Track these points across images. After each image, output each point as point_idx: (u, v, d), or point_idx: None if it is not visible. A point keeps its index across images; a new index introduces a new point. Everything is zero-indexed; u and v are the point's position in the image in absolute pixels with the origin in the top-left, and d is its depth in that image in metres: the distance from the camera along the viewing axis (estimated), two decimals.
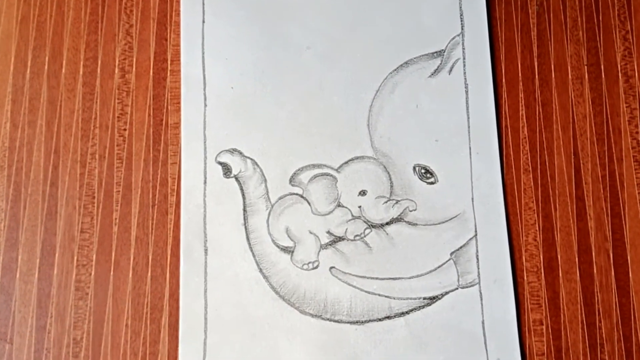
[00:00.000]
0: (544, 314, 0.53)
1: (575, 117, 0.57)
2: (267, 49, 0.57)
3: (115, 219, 0.53)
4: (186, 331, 0.51)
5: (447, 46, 0.57)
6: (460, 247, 0.54)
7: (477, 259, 0.53)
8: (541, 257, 0.54)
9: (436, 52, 0.57)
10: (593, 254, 0.54)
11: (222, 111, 0.55)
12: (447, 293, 0.53)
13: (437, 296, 0.53)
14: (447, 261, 0.53)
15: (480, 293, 0.53)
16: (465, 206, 0.54)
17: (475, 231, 0.54)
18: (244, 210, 0.54)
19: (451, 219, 0.54)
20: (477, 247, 0.54)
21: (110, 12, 0.57)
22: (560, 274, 0.54)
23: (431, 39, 0.57)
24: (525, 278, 0.53)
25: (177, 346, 0.51)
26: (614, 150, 0.55)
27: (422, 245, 0.54)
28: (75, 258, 0.53)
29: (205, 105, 0.55)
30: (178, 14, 0.57)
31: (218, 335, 0.51)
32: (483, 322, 0.52)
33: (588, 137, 0.56)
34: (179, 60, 0.56)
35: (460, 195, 0.55)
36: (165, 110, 0.56)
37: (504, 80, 0.57)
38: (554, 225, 0.55)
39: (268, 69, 0.56)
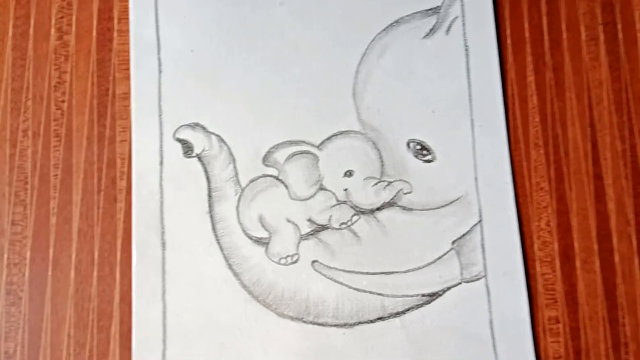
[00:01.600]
0: (560, 311, 0.46)
1: (590, 84, 0.50)
2: (233, 4, 0.48)
3: (53, 208, 0.45)
4: (141, 342, 0.43)
5: (443, 2, 0.50)
6: (463, 235, 0.47)
7: (483, 248, 0.46)
8: (555, 245, 0.47)
9: (431, 8, 0.50)
10: (614, 240, 0.47)
11: (180, 79, 0.47)
12: (448, 289, 0.46)
13: (437, 292, 0.45)
14: (448, 252, 0.46)
15: (487, 288, 0.46)
16: (467, 187, 0.47)
17: (480, 216, 0.47)
18: (209, 195, 0.46)
19: (452, 202, 0.47)
20: (482, 234, 0.47)
21: None
22: (578, 264, 0.47)
23: None
24: (538, 269, 0.47)
25: None
26: (634, 121, 0.49)
27: (419, 234, 0.46)
28: (6, 256, 0.44)
29: (160, 72, 0.47)
30: None
31: (179, 345, 0.43)
32: (491, 322, 0.45)
33: (605, 106, 0.49)
34: (128, 18, 0.48)
35: (462, 174, 0.47)
36: (111, 78, 0.47)
37: (509, 41, 0.50)
38: (569, 207, 0.48)
39: (234, 29, 0.48)
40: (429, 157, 0.48)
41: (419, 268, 0.46)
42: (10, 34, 0.47)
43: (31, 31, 0.47)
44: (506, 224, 0.47)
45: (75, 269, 0.44)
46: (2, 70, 0.46)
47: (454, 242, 0.47)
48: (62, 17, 0.48)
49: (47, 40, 0.47)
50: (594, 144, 0.49)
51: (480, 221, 0.47)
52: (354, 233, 0.46)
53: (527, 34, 0.50)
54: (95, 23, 0.48)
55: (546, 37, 0.50)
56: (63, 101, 0.46)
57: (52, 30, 0.47)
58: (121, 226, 0.45)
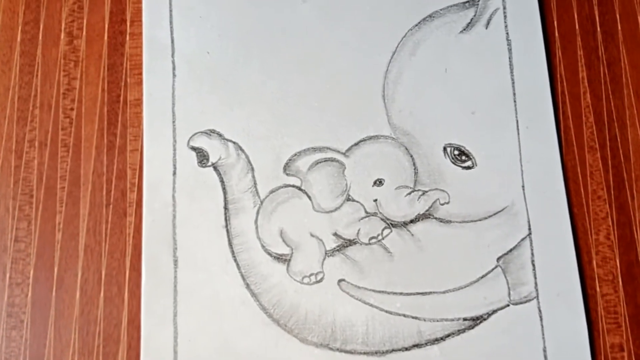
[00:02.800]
0: (624, 337, 0.40)
1: None
2: (252, 3, 0.45)
3: (59, 223, 0.42)
4: None
5: None
6: (510, 251, 0.41)
7: (533, 265, 0.41)
8: (617, 261, 0.41)
9: (469, 1, 0.45)
10: None
11: (195, 83, 0.44)
12: (494, 312, 0.40)
13: (481, 316, 0.40)
14: (493, 269, 0.41)
15: (540, 311, 0.40)
16: (514, 196, 0.42)
17: (529, 229, 0.42)
18: (225, 208, 0.42)
19: (496, 213, 0.42)
20: (532, 249, 0.41)
21: None
22: None
23: None
24: (598, 290, 0.41)
25: None
26: None
27: (459, 249, 0.41)
28: (8, 275, 0.41)
29: (174, 76, 0.44)
30: None
31: None
32: (544, 350, 0.39)
33: None
34: (141, 20, 0.45)
35: (507, 182, 0.42)
36: (123, 84, 0.44)
37: (557, 34, 0.45)
38: (631, 218, 0.42)
39: (253, 29, 0.45)
40: (468, 163, 0.43)
41: (460, 288, 0.41)
42: (18, 39, 0.45)
43: (40, 36, 0.45)
44: (559, 237, 0.42)
45: (80, 289, 0.41)
46: (10, 78, 0.44)
47: (499, 259, 0.41)
48: (72, 21, 0.45)
49: (56, 45, 0.45)
50: None
51: (529, 234, 0.42)
52: (385, 248, 0.42)
53: (577, 26, 0.45)
54: (106, 26, 0.45)
55: (599, 28, 0.45)
56: (72, 109, 0.44)
57: (62, 35, 0.45)
58: (131, 242, 0.41)
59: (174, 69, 0.44)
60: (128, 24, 0.45)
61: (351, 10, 0.45)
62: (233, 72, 0.44)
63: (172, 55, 0.44)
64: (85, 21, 0.45)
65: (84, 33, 0.45)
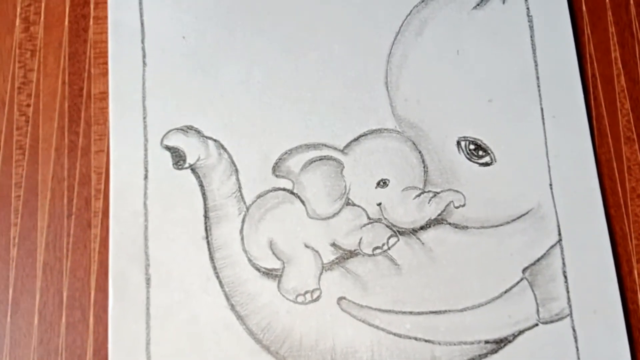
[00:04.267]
0: None
1: None
2: None
3: (14, 237, 0.36)
4: None
5: None
6: (538, 260, 0.36)
7: (565, 277, 0.35)
8: None
9: None
10: None
11: (169, 72, 0.38)
12: (521, 332, 0.34)
13: (506, 338, 0.34)
14: (518, 282, 0.35)
15: (574, 330, 0.34)
16: (540, 197, 0.36)
17: (559, 235, 0.36)
18: (206, 216, 0.36)
19: (520, 217, 0.36)
20: (563, 259, 0.35)
21: None
22: None
23: None
24: (639, 304, 0.35)
25: None
26: None
27: (478, 260, 0.36)
28: None
29: (145, 65, 0.38)
30: None
31: None
32: None
33: None
34: (106, 2, 0.39)
35: (532, 180, 0.37)
36: (86, 75, 0.38)
37: (584, 8, 0.39)
38: None
39: (236, 7, 0.39)
40: (486, 159, 0.37)
41: (480, 305, 0.35)
42: None
43: None
44: (595, 244, 0.36)
45: (39, 313, 0.35)
46: None
47: (525, 270, 0.36)
48: (28, 5, 0.39)
49: (10, 32, 0.39)
50: None
51: (559, 241, 0.36)
52: (392, 260, 0.36)
53: None
54: (67, 10, 0.39)
55: (632, 0, 0.39)
56: (28, 105, 0.38)
57: (17, 21, 0.39)
58: (96, 258, 0.36)
59: (144, 57, 0.38)
60: (92, 6, 0.39)
61: None
62: (213, 59, 0.38)
63: (142, 41, 0.38)
64: (43, 4, 0.39)
65: (42, 18, 0.39)
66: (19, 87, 0.38)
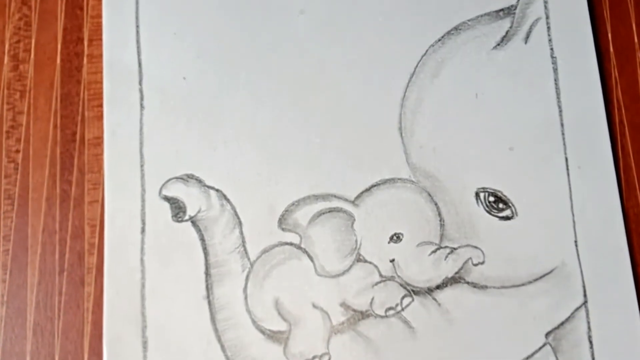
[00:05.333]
0: None
1: None
2: (237, 15, 0.37)
3: (2, 295, 0.34)
4: None
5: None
6: (562, 324, 0.34)
7: (591, 342, 0.33)
8: None
9: (503, 9, 0.37)
10: None
11: (169, 116, 0.36)
12: None
13: None
14: (541, 348, 0.33)
15: None
16: (564, 255, 0.34)
17: (585, 296, 0.34)
18: (207, 273, 0.34)
19: (543, 276, 0.34)
20: (588, 322, 0.33)
21: None
22: None
23: None
24: None
25: None
26: None
27: (498, 322, 0.34)
28: None
29: (142, 108, 0.36)
30: None
31: None
32: None
33: None
34: (101, 39, 0.37)
35: (556, 236, 0.35)
36: (80, 119, 0.36)
37: (611, 49, 0.37)
38: None
39: (239, 47, 0.37)
40: (507, 213, 0.35)
41: None
42: None
43: None
44: (622, 306, 0.34)
45: None
46: None
47: (548, 334, 0.34)
48: (17, 41, 0.37)
49: None
50: None
51: (584, 303, 0.34)
52: (406, 322, 0.34)
53: (635, 39, 0.37)
54: (59, 47, 0.37)
55: None
56: (17, 151, 0.36)
57: (6, 59, 0.37)
58: (90, 319, 0.34)
59: (141, 99, 0.36)
60: (85, 43, 0.37)
61: (359, 23, 0.37)
62: (215, 101, 0.36)
63: (140, 83, 0.36)
64: (33, 41, 0.37)
65: (32, 56, 0.37)
66: (7, 131, 0.36)
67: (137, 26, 0.37)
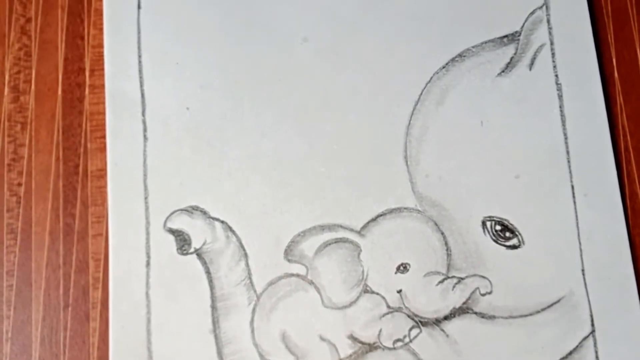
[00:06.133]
0: None
1: None
2: (240, 44, 0.37)
3: (7, 332, 0.34)
4: None
5: (523, 26, 0.38)
6: (570, 353, 0.34)
7: None
8: None
9: (507, 35, 0.38)
10: None
11: (172, 147, 0.36)
12: None
13: None
14: None
15: None
16: (572, 284, 0.35)
17: (592, 325, 0.34)
18: (213, 307, 0.34)
19: (551, 306, 0.34)
20: (596, 352, 0.34)
21: None
22: None
23: (498, 16, 0.38)
24: None
25: None
26: None
27: (507, 353, 0.34)
28: None
29: (146, 139, 0.36)
30: None
31: None
32: None
33: None
34: (103, 69, 0.37)
35: (563, 265, 0.35)
36: (82, 150, 0.36)
37: (616, 74, 0.37)
38: None
39: (243, 76, 0.37)
40: (513, 242, 0.35)
41: None
42: None
43: None
44: (629, 335, 0.34)
45: None
46: None
47: None
48: (18, 72, 0.37)
49: None
50: None
51: (592, 332, 0.34)
52: (414, 354, 0.34)
53: None
54: (60, 77, 0.37)
55: None
56: (19, 184, 0.36)
57: (6, 90, 0.37)
58: (95, 354, 0.34)
59: (145, 130, 0.36)
60: (87, 74, 0.37)
61: (363, 50, 0.37)
62: (219, 132, 0.36)
63: (143, 113, 0.36)
64: (34, 71, 0.37)
65: (33, 87, 0.37)
66: (8, 164, 0.36)
67: (139, 56, 0.37)
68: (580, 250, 0.35)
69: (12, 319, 0.34)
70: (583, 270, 0.35)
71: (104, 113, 0.36)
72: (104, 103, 0.36)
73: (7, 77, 0.37)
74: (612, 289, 0.35)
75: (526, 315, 0.35)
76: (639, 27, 0.38)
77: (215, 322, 0.34)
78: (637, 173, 0.36)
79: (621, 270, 0.35)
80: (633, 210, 0.36)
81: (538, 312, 0.35)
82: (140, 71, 0.37)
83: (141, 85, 0.37)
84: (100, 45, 0.37)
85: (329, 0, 0.38)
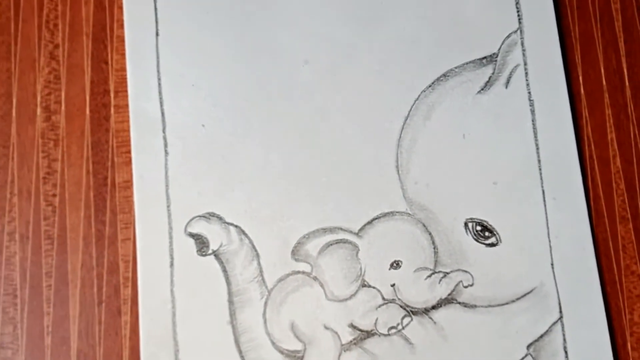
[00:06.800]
0: None
1: None
2: (249, 67, 0.42)
3: (48, 326, 0.39)
4: None
5: (500, 48, 0.42)
6: (541, 337, 0.39)
7: (566, 352, 0.39)
8: None
9: (486, 57, 0.42)
10: None
11: (190, 161, 0.41)
12: None
13: None
14: (523, 358, 0.39)
15: None
16: (542, 276, 0.40)
17: (560, 312, 0.39)
18: (230, 301, 0.39)
19: (524, 295, 0.40)
20: (564, 335, 0.39)
21: (26, 29, 0.42)
22: None
23: (477, 39, 0.43)
24: None
25: None
26: None
27: (486, 337, 0.39)
28: None
29: (167, 154, 0.41)
30: (121, 26, 0.42)
31: None
32: None
33: None
34: (126, 90, 0.41)
35: (535, 260, 0.40)
36: (110, 164, 0.41)
37: (582, 91, 0.42)
38: None
39: (252, 96, 0.41)
40: (492, 240, 0.41)
41: None
42: None
43: (13, 112, 0.41)
44: (592, 320, 0.40)
45: None
46: None
47: (529, 346, 0.39)
48: (49, 94, 0.41)
49: (32, 122, 0.41)
50: None
51: (560, 318, 0.40)
52: (406, 339, 0.39)
53: (604, 82, 0.43)
54: (88, 98, 0.41)
55: (627, 83, 0.43)
56: (54, 195, 0.40)
57: (38, 110, 0.41)
58: (127, 344, 0.39)
59: (165, 145, 0.41)
60: (112, 95, 0.41)
61: (358, 72, 0.42)
62: (231, 146, 0.41)
63: (163, 130, 0.41)
64: (63, 93, 0.41)
65: (63, 107, 0.41)
66: (44, 177, 0.40)
67: (159, 79, 0.41)
68: (550, 247, 0.41)
69: (52, 315, 0.39)
70: (552, 264, 0.40)
71: (128, 130, 0.41)
72: (128, 121, 0.41)
73: (39, 98, 0.42)
74: (578, 280, 0.40)
75: (503, 304, 0.40)
76: (603, 49, 0.43)
77: (232, 314, 0.39)
78: (600, 179, 0.42)
79: (585, 264, 0.40)
80: (596, 211, 0.41)
81: (513, 301, 0.40)
82: (160, 92, 0.42)
83: (161, 105, 0.41)
84: (123, 69, 0.42)
85: (326, 27, 0.43)
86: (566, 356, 0.39)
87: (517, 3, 0.43)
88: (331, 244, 0.41)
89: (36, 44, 0.42)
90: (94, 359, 0.39)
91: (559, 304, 0.40)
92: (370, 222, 0.41)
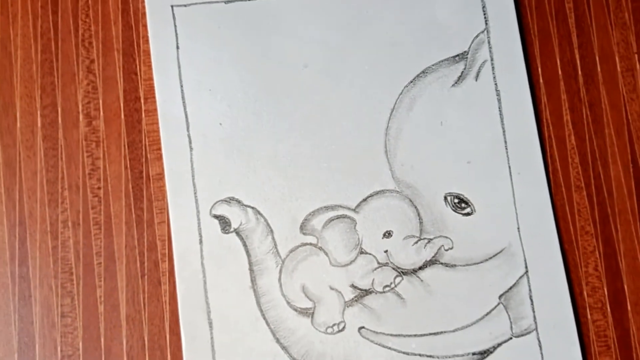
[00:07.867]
0: (614, 357, 0.47)
1: (629, 117, 0.50)
2: (257, 72, 0.50)
3: (100, 296, 0.47)
4: None
5: (470, 46, 0.50)
6: (510, 288, 0.48)
7: (531, 300, 0.47)
8: (605, 289, 0.48)
9: (458, 55, 0.50)
10: None
11: (211, 154, 0.49)
12: (499, 345, 0.47)
13: (488, 350, 0.47)
14: (496, 306, 0.47)
15: (539, 341, 0.47)
16: (510, 238, 0.48)
17: (526, 267, 0.48)
18: (250, 270, 0.47)
19: (495, 255, 0.48)
20: (529, 285, 0.47)
21: (65, 47, 0.50)
22: (629, 307, 0.47)
23: (450, 40, 0.51)
24: (589, 317, 0.47)
25: None
26: None
27: (465, 290, 0.47)
28: (59, 348, 0.47)
29: (191, 149, 0.49)
30: (147, 41, 0.50)
31: None
32: None
33: None
34: (154, 97, 0.49)
35: (504, 225, 0.48)
36: (144, 160, 0.49)
37: (541, 80, 0.50)
38: (616, 250, 0.48)
39: (261, 97, 0.49)
40: (468, 210, 0.49)
41: (468, 326, 0.47)
42: (39, 124, 0.49)
43: (59, 119, 0.49)
44: (553, 272, 0.48)
45: (127, 355, 0.46)
46: (35, 162, 0.48)
47: (501, 296, 0.48)
48: (88, 102, 0.49)
49: (76, 127, 0.49)
50: (637, 181, 0.49)
51: (526, 272, 0.48)
52: (398, 295, 0.48)
53: (559, 71, 0.50)
54: (122, 105, 0.49)
55: (580, 72, 0.50)
56: (99, 188, 0.48)
57: (81, 117, 0.49)
58: (167, 309, 0.47)
59: (190, 142, 0.49)
60: (142, 101, 0.49)
61: (350, 72, 0.50)
62: (246, 140, 0.49)
63: (188, 130, 0.49)
64: (101, 101, 0.49)
65: (101, 113, 0.49)
66: (89, 173, 0.48)
67: (181, 86, 0.49)
68: (516, 213, 0.49)
69: (103, 287, 0.47)
70: (518, 228, 0.49)
71: (158, 131, 0.49)
72: (157, 123, 0.49)
73: (80, 106, 0.50)
74: (540, 240, 0.48)
75: (478, 263, 0.48)
76: (558, 43, 0.51)
77: (253, 280, 0.48)
78: (558, 154, 0.50)
79: (546, 226, 0.49)
80: (555, 182, 0.49)
81: (486, 260, 0.48)
82: (182, 97, 0.49)
83: (184, 108, 0.49)
84: (151, 79, 0.50)
85: (322, 35, 0.50)
86: (532, 303, 0.47)
87: (483, 6, 0.51)
88: (333, 219, 0.49)
89: (75, 60, 0.50)
90: (140, 322, 0.47)
91: (525, 260, 0.48)
92: (365, 200, 0.49)
